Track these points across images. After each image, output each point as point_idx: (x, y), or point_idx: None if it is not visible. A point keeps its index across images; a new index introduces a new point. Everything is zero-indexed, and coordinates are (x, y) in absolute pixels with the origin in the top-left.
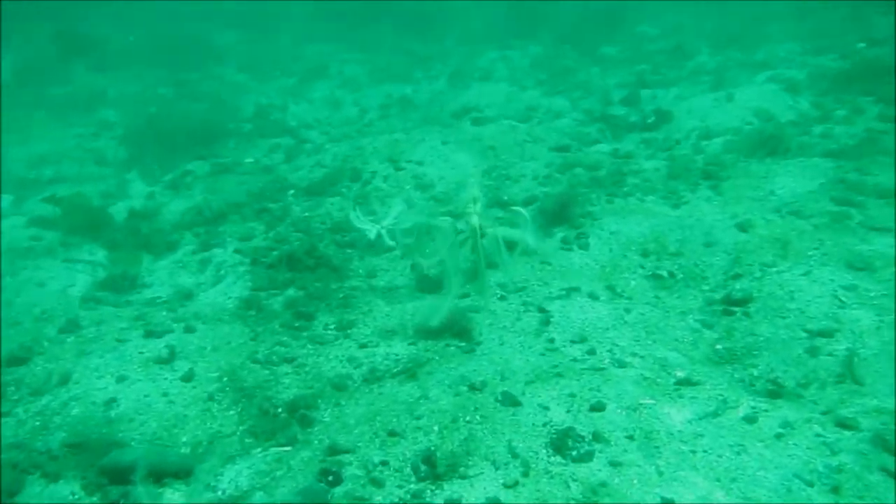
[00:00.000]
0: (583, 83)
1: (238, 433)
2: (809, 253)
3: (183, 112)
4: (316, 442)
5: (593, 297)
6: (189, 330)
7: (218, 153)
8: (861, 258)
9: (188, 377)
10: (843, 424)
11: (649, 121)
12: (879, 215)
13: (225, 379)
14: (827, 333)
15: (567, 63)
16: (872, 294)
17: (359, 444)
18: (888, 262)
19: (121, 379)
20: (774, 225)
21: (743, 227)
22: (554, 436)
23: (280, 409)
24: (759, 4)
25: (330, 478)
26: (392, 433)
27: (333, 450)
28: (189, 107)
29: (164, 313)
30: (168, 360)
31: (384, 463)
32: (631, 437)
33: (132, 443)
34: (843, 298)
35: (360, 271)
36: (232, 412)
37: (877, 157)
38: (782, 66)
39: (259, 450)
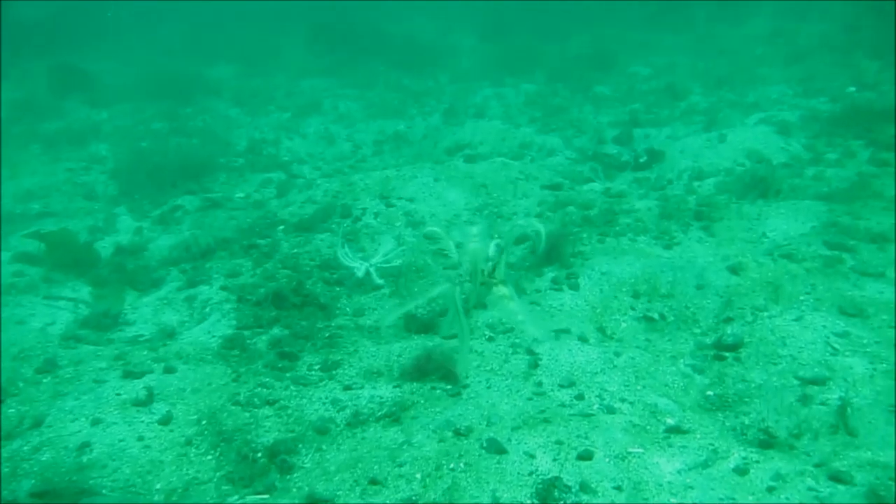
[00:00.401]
0: (576, 121)
1: (215, 480)
2: (801, 297)
3: (175, 146)
4: (295, 490)
5: (583, 339)
6: (169, 370)
7: (209, 188)
8: (853, 304)
9: (166, 420)
10: (836, 478)
11: (641, 160)
12: (872, 260)
13: (204, 422)
14: (819, 381)
15: (561, 101)
16: (865, 341)
17: (339, 493)
18: (880, 308)
19: (96, 422)
20: (766, 268)
21: (734, 270)
22: (540, 485)
23: (259, 454)
24: (750, 47)
25: None
26: (374, 481)
27: (312, 499)
28: (181, 141)
29: (146, 353)
30: (146, 402)
31: None
32: (619, 488)
33: (103, 491)
34: (835, 345)
35: (348, 310)
36: (210, 457)
37: (868, 201)
38: (774, 108)
39: (236, 497)
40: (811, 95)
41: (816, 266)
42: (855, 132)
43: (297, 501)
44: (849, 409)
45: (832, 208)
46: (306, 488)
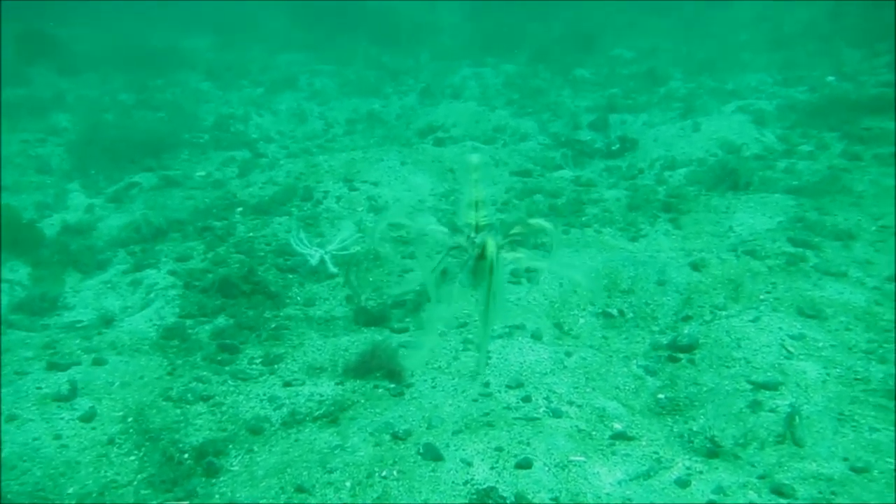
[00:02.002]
0: (553, 105)
1: (135, 483)
2: (761, 297)
3: (139, 120)
4: (217, 496)
5: (536, 336)
6: (98, 362)
7: (168, 165)
8: (812, 305)
9: (88, 417)
10: (778, 491)
11: (614, 148)
12: (835, 259)
13: (130, 419)
14: (771, 386)
15: (540, 83)
16: (821, 345)
17: (262, 501)
18: (838, 310)
19: (10, 419)
20: (729, 265)
21: (696, 267)
22: (474, 496)
23: (186, 455)
24: (735, 32)
25: None
26: (300, 489)
27: None
28: (147, 114)
29: (77, 342)
30: (68, 397)
31: None
32: (556, 500)
33: (8, 496)
34: (790, 348)
35: (299, 299)
36: (132, 458)
37: (837, 196)
38: (752, 96)
39: (155, 503)
40: (791, 84)
41: (779, 264)
42: (830, 124)
43: None
44: (797, 418)
45: (801, 203)
46: (229, 495)
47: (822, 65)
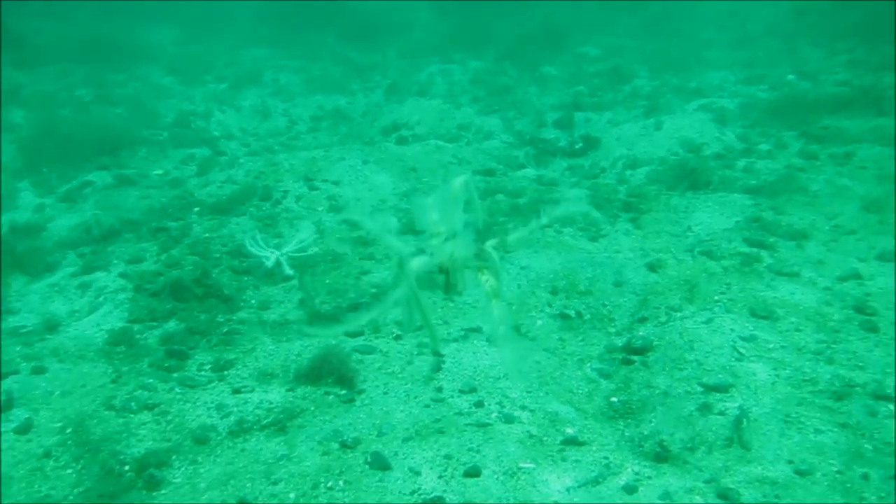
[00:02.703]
0: (519, 102)
1: (70, 498)
2: (716, 297)
3: (97, 116)
4: None
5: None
6: (38, 371)
7: (125, 163)
8: (765, 306)
9: (24, 429)
10: (724, 496)
11: (577, 146)
12: (788, 259)
13: (69, 430)
14: (722, 389)
15: (507, 81)
16: (771, 346)
17: None
18: (790, 310)
19: None
20: (685, 265)
21: (653, 268)
22: None
23: (127, 468)
24: (701, 29)
25: None
26: (243, 502)
27: None
28: (105, 110)
29: (18, 349)
30: (3, 408)
31: None
32: None
33: None
34: (741, 350)
35: (253, 302)
36: (70, 471)
37: (793, 196)
38: (715, 94)
39: None
40: (752, 82)
41: (734, 264)
42: (789, 123)
43: None
44: (745, 421)
45: (758, 202)
46: None
47: (784, 63)
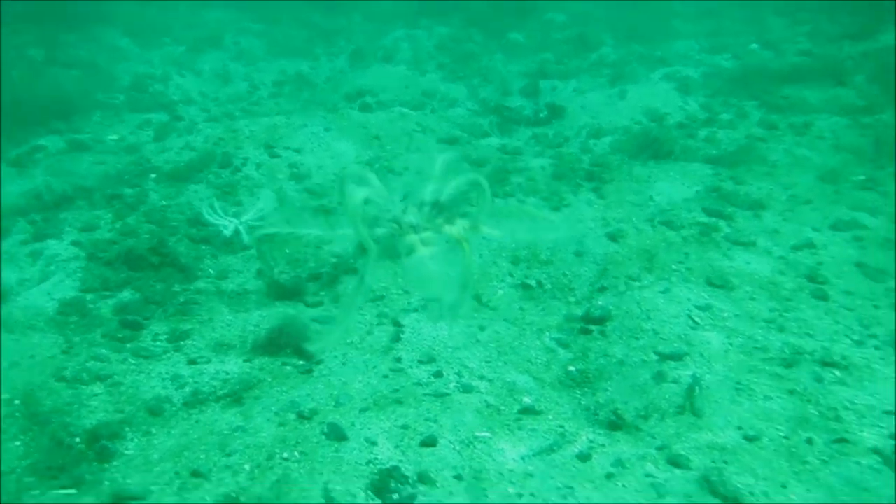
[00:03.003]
0: (485, 69)
1: (18, 471)
2: (674, 267)
3: (50, 78)
4: (107, 482)
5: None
6: None
7: (78, 128)
8: (721, 275)
9: None
10: (674, 462)
11: (542, 115)
12: (745, 228)
13: (17, 402)
14: (677, 357)
15: (473, 47)
16: (726, 314)
17: (153, 489)
18: (744, 280)
19: None
20: (645, 235)
21: (614, 237)
22: (376, 476)
23: (78, 440)
24: None
25: None
26: (196, 473)
27: (121, 495)
28: (58, 72)
29: None
30: None
31: None
32: (459, 477)
33: None
34: (696, 319)
35: (211, 272)
36: (18, 443)
37: (753, 166)
38: (679, 63)
39: (37, 493)
40: (717, 52)
41: (693, 234)
42: (751, 92)
43: (103, 499)
44: (697, 389)
45: (718, 172)
46: (120, 481)
47: (748, 33)
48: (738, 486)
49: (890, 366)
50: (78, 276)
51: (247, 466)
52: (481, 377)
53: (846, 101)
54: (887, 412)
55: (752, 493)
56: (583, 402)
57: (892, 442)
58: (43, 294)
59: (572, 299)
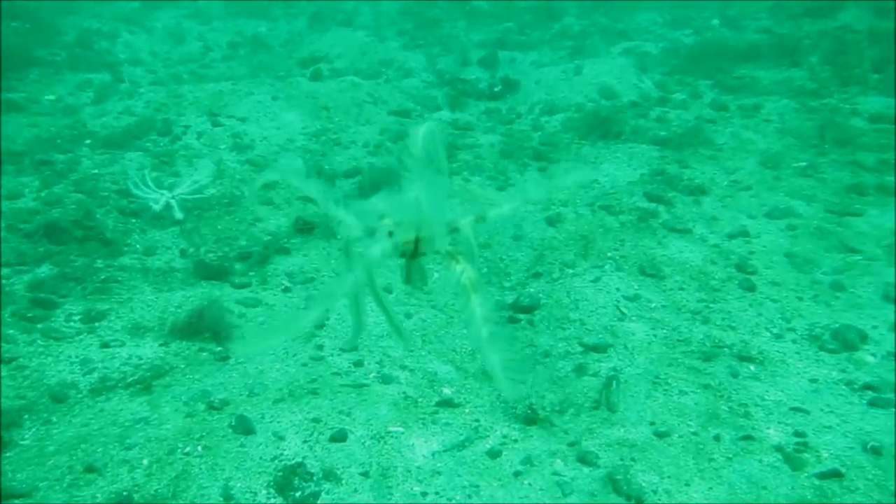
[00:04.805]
0: (446, 37)
1: None
2: (609, 254)
3: None
4: None
5: (387, 291)
6: None
7: (12, 86)
8: (653, 263)
9: None
10: (583, 460)
11: (496, 89)
12: (684, 215)
13: None
14: (601, 349)
15: (436, 14)
16: (653, 305)
17: (41, 484)
18: (676, 269)
19: None
20: (584, 220)
21: (552, 222)
22: (279, 474)
23: None
24: None
25: None
26: (90, 468)
27: (5, 494)
28: None
29: None
30: None
31: None
32: (366, 475)
33: None
34: (623, 309)
35: (138, 247)
36: None
37: (699, 149)
38: (640, 37)
39: None
40: (678, 26)
41: (631, 220)
42: (706, 71)
43: None
44: (614, 383)
45: (664, 155)
46: (9, 475)
47: (710, 7)
48: (642, 484)
49: (802, 361)
50: None
51: (145, 461)
52: (403, 367)
53: (797, 82)
54: (794, 409)
55: (654, 492)
56: (502, 395)
57: (794, 440)
58: None
59: (507, 284)
